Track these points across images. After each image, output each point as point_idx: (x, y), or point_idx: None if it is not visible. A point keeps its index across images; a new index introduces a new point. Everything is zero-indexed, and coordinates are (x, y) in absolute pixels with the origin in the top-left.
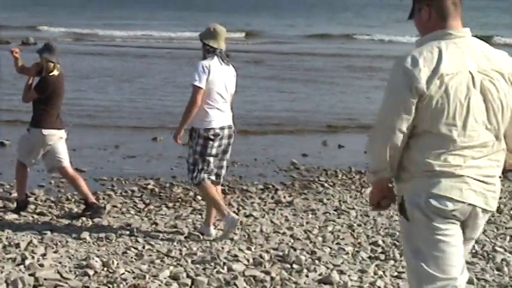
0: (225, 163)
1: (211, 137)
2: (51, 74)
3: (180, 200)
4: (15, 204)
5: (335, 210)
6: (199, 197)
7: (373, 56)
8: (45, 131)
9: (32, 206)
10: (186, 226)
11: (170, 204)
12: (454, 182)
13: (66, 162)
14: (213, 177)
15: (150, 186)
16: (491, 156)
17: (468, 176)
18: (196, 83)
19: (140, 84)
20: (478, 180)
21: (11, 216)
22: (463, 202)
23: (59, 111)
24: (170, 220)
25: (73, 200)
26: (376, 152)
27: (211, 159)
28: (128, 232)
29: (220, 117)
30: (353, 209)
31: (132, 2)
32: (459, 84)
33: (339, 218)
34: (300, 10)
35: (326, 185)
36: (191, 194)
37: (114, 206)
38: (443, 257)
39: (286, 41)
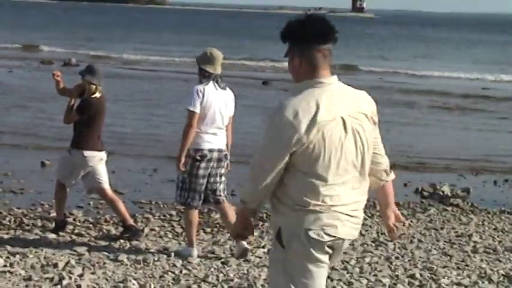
0: (218, 186)
1: (199, 158)
2: (93, 96)
3: (218, 225)
4: (53, 224)
5: (373, 242)
6: None
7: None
8: (86, 153)
9: (71, 227)
10: (224, 252)
11: (208, 230)
12: (329, 219)
13: (105, 184)
14: (199, 200)
15: None
16: (358, 191)
17: (341, 213)
18: (191, 108)
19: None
20: (348, 215)
21: (49, 236)
22: (337, 237)
23: (100, 133)
24: (208, 245)
25: (111, 221)
26: (249, 188)
27: (200, 180)
28: (165, 256)
29: (210, 140)
30: (391, 241)
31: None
32: (334, 130)
33: (376, 249)
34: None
35: (364, 215)
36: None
37: (152, 229)
38: (313, 285)
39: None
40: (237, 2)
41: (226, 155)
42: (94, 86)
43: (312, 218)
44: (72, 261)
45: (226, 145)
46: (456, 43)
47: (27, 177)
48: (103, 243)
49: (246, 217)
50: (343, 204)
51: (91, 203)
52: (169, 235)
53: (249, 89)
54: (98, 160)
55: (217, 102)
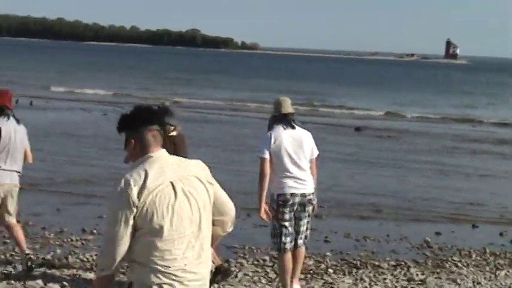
0: (302, 229)
1: (281, 203)
2: (169, 135)
3: (311, 272)
4: None
5: None
6: (330, 270)
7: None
8: None
9: None
10: None
11: (301, 276)
12: (167, 278)
13: None
14: (289, 244)
15: None
16: (196, 248)
17: (180, 270)
18: (260, 154)
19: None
20: (187, 272)
21: None
22: None
23: None
24: None
25: None
26: (104, 258)
27: (286, 223)
28: None
29: (292, 184)
30: None
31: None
32: (162, 193)
33: None
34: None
35: (459, 264)
36: (322, 266)
37: (246, 275)
38: None
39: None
40: (329, 48)
41: (310, 199)
42: (171, 127)
43: (152, 276)
44: None
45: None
46: None
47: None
48: None
49: (106, 282)
50: (181, 261)
51: None
52: (263, 280)
53: (341, 135)
54: None
55: (290, 143)
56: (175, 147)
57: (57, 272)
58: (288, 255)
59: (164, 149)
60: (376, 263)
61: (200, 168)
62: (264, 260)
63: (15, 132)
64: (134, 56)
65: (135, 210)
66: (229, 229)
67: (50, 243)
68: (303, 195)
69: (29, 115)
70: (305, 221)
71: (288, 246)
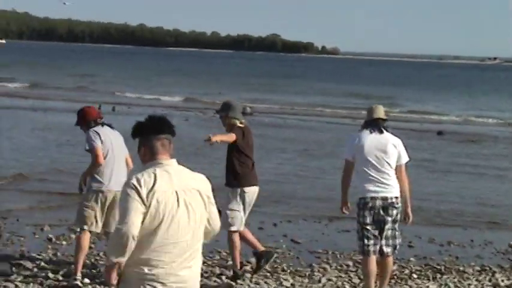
0: (387, 234)
1: (362, 206)
2: (240, 125)
3: (395, 277)
4: (231, 272)
5: None
6: (414, 275)
7: None
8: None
9: (248, 275)
10: None
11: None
12: (158, 278)
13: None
14: (373, 247)
15: None
16: (190, 253)
17: (169, 274)
18: (344, 156)
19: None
20: (175, 275)
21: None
22: None
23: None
24: None
25: (288, 271)
26: (115, 248)
27: (368, 227)
28: None
29: (372, 187)
30: None
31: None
32: (168, 199)
33: None
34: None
35: None
36: (406, 271)
37: (329, 280)
38: None
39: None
40: (409, 52)
41: (393, 203)
42: (236, 120)
43: (137, 274)
44: None
45: (401, 193)
46: None
47: None
48: None
49: (115, 270)
50: (168, 264)
51: None
52: (347, 286)
53: (424, 140)
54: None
55: (374, 146)
56: (245, 136)
57: None
58: (371, 259)
59: (175, 159)
60: (461, 268)
61: (203, 183)
62: (348, 265)
63: (113, 138)
64: (215, 61)
65: (144, 207)
66: (209, 240)
67: None
68: (384, 199)
69: (112, 121)
70: (389, 225)
71: (372, 249)
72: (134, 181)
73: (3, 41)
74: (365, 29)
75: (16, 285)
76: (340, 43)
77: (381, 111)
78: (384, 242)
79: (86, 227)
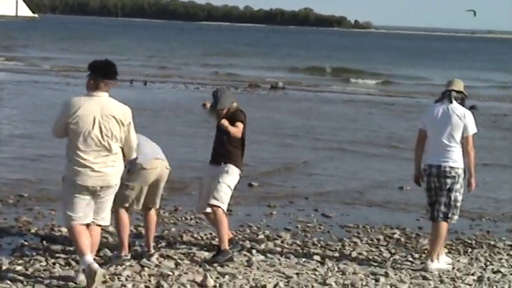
0: (441, 200)
1: (423, 173)
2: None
3: (426, 251)
4: (261, 246)
5: None
6: (445, 250)
7: None
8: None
9: (279, 249)
10: (432, 279)
11: (416, 255)
12: (82, 174)
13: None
14: (432, 214)
15: (396, 236)
16: (105, 158)
17: (88, 168)
18: (418, 125)
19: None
20: (94, 170)
21: (258, 258)
22: (85, 185)
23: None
24: (416, 271)
25: (319, 245)
26: (53, 133)
27: (427, 193)
28: (373, 281)
29: (432, 155)
30: None
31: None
32: (86, 119)
33: None
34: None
35: None
36: None
37: (360, 254)
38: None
39: None
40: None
41: (446, 172)
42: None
43: (75, 170)
44: (281, 284)
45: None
46: None
47: (235, 199)
48: (310, 266)
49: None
50: (89, 163)
51: (298, 225)
52: (378, 259)
53: None
54: None
55: (438, 117)
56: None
57: (171, 250)
58: (437, 225)
59: (107, 93)
60: (492, 243)
61: (122, 111)
62: (378, 239)
63: None
64: (248, 35)
65: (67, 120)
66: (132, 156)
67: (165, 222)
68: (439, 167)
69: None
70: (444, 193)
71: (432, 217)
72: (68, 102)
73: (36, 15)
74: (399, 3)
75: (46, 259)
76: (373, 17)
77: (455, 84)
78: (436, 207)
79: (126, 204)
